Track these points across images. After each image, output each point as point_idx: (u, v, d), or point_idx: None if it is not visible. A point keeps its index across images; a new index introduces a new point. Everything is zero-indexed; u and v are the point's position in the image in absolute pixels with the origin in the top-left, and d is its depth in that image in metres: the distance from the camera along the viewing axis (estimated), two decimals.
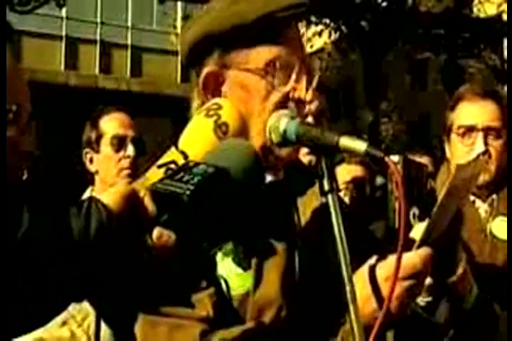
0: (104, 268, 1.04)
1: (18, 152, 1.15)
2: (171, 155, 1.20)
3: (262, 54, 1.35)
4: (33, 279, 0.98)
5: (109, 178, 2.62)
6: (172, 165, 1.17)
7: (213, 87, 1.37)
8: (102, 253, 1.02)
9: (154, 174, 1.17)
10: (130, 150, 2.61)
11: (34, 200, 1.06)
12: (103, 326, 2.07)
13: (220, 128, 1.21)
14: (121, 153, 2.62)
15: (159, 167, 1.18)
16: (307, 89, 1.35)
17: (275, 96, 1.33)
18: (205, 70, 1.37)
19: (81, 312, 2.15)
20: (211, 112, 1.22)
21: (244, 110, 1.30)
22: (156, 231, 1.05)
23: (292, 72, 1.35)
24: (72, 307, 2.09)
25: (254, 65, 1.34)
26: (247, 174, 1.13)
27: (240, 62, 1.35)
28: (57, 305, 1.04)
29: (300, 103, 1.35)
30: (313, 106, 1.37)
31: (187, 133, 1.22)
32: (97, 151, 2.64)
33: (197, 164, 1.11)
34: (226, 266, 1.28)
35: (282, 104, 1.33)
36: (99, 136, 2.64)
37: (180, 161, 1.17)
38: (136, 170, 2.59)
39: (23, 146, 1.16)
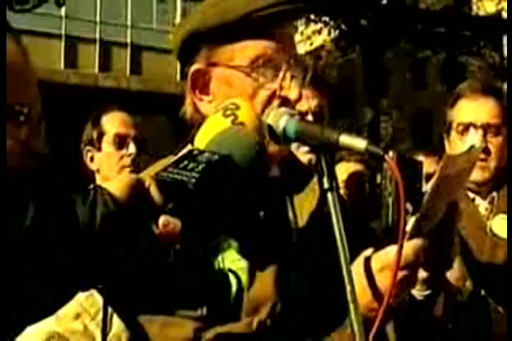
0: (110, 257, 1.04)
1: (29, 152, 1.15)
2: None
3: (246, 51, 1.34)
4: (38, 268, 0.99)
5: (110, 176, 2.62)
6: None
7: (202, 84, 1.38)
8: (107, 242, 1.02)
9: None
10: (132, 148, 2.62)
11: (39, 191, 1.06)
12: (116, 319, 2.08)
13: None
14: (123, 151, 2.63)
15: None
16: (294, 88, 1.34)
17: (263, 94, 1.33)
18: (193, 68, 1.38)
19: (94, 306, 2.16)
20: (228, 112, 1.22)
21: None
22: (162, 219, 1.04)
23: (279, 70, 1.34)
24: (85, 301, 2.10)
25: (239, 62, 1.34)
26: (250, 163, 1.13)
27: (226, 59, 1.35)
28: (63, 294, 1.05)
29: (286, 101, 1.34)
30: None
31: (203, 132, 1.22)
32: (99, 149, 2.65)
33: (201, 152, 1.12)
34: (233, 259, 1.29)
35: (270, 102, 1.33)
36: (101, 135, 2.65)
37: None
38: (137, 169, 2.60)
39: (33, 147, 1.16)
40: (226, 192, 1.09)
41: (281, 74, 1.34)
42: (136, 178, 1.09)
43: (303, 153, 2.35)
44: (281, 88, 1.34)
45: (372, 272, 1.24)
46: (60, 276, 1.01)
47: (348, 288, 1.16)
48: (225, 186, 1.09)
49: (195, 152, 1.12)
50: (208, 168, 1.07)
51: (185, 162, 1.09)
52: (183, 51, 1.41)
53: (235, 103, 1.24)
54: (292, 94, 1.34)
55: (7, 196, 1.02)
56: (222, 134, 1.17)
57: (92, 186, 1.08)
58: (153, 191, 1.07)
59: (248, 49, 1.34)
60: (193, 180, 1.05)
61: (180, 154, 1.16)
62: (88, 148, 2.68)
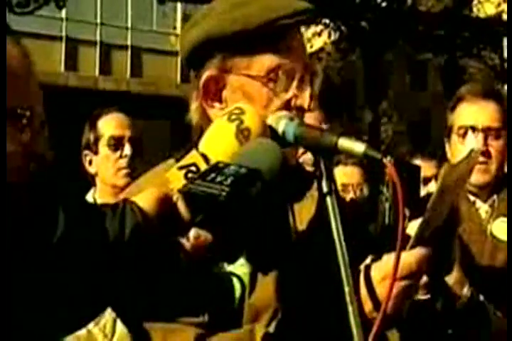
0: (139, 270, 1.05)
1: (31, 156, 1.14)
2: (192, 157, 1.19)
3: (264, 61, 1.33)
4: (70, 280, 0.99)
5: (107, 178, 2.63)
6: (192, 168, 1.17)
7: (214, 91, 1.36)
8: (136, 255, 1.02)
9: (174, 175, 1.17)
10: (127, 149, 2.62)
11: (67, 202, 1.07)
12: (119, 325, 2.07)
13: (242, 133, 1.20)
14: (119, 153, 2.62)
15: (180, 168, 1.17)
16: (308, 97, 1.34)
17: (276, 103, 1.33)
18: (206, 74, 1.35)
19: None
20: (233, 117, 1.21)
21: None
22: (194, 232, 1.05)
23: (294, 79, 1.34)
24: None
25: (256, 71, 1.33)
26: (276, 174, 1.14)
27: (242, 68, 1.34)
28: (96, 307, 1.05)
29: (300, 110, 1.34)
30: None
31: (208, 136, 1.22)
32: (96, 153, 2.65)
33: (227, 165, 1.12)
34: (237, 264, 1.28)
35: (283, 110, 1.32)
36: (97, 138, 2.65)
37: (201, 163, 1.18)
38: (133, 171, 2.59)
39: (36, 150, 1.15)
40: (255, 204, 1.09)
41: (295, 84, 1.34)
42: (164, 192, 1.10)
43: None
44: (295, 97, 1.34)
45: (372, 281, 1.23)
46: (90, 288, 1.01)
47: (347, 289, 1.16)
48: (254, 199, 1.09)
49: (221, 165, 1.12)
50: (237, 181, 1.07)
51: (213, 175, 1.09)
52: (193, 55, 1.38)
53: (240, 108, 1.24)
54: (307, 104, 1.34)
55: (38, 204, 1.02)
56: (248, 146, 1.17)
57: (121, 200, 1.10)
58: (181, 206, 1.08)
59: (266, 59, 1.33)
60: (224, 193, 1.05)
61: (184, 159, 1.16)
62: (86, 151, 2.68)
